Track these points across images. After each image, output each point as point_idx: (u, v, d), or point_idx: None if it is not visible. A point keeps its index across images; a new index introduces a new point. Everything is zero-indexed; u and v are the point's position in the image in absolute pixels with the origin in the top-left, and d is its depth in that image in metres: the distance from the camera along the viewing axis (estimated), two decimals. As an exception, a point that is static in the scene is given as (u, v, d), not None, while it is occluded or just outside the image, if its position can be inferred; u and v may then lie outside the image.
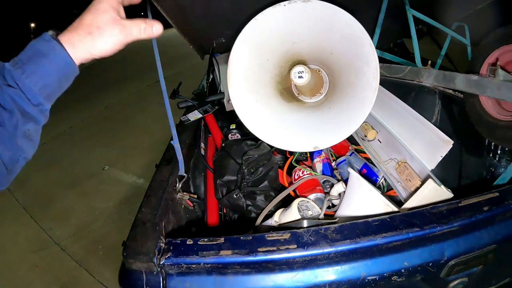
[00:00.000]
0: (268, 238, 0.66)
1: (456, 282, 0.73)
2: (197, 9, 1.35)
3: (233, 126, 1.63)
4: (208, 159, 1.31)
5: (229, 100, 1.29)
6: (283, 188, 1.14)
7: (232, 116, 1.59)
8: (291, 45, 1.16)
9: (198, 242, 0.67)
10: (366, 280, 0.64)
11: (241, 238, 0.67)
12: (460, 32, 1.28)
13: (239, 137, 1.60)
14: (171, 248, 0.68)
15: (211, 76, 1.83)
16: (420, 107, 1.18)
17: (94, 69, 7.72)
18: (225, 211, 1.19)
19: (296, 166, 1.14)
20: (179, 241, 0.69)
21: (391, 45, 2.00)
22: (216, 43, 1.78)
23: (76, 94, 5.82)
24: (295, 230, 0.68)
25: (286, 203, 1.01)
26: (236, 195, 1.03)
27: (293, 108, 1.23)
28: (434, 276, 0.69)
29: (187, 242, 0.68)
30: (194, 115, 1.45)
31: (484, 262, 0.71)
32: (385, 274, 0.65)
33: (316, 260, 0.63)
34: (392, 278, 0.65)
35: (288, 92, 1.24)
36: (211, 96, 1.47)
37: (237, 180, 1.09)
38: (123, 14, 0.48)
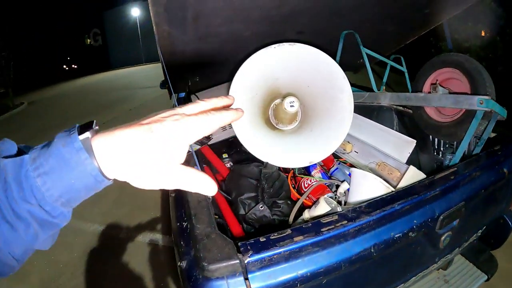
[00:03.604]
0: (323, 221, 0.86)
1: (445, 236, 1.01)
2: (187, 51, 1.50)
3: (225, 155, 1.81)
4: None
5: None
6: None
7: (215, 148, 1.76)
8: (274, 80, 1.40)
9: (271, 238, 0.82)
10: (394, 238, 0.87)
11: (303, 226, 0.85)
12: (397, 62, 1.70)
13: (231, 164, 1.78)
14: (248, 248, 0.78)
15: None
16: (382, 122, 1.54)
17: (14, 120, 7.01)
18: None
19: (302, 178, 1.38)
20: (253, 241, 0.80)
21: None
22: (191, 81, 1.97)
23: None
24: (338, 212, 0.90)
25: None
26: (261, 207, 1.20)
27: (278, 134, 1.47)
28: (432, 230, 0.96)
29: (261, 240, 0.82)
30: (194, 146, 1.61)
31: (459, 215, 1.01)
32: (405, 232, 0.89)
33: (361, 229, 0.84)
34: (409, 234, 0.90)
35: (268, 122, 1.48)
36: None
37: (257, 195, 1.26)
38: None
